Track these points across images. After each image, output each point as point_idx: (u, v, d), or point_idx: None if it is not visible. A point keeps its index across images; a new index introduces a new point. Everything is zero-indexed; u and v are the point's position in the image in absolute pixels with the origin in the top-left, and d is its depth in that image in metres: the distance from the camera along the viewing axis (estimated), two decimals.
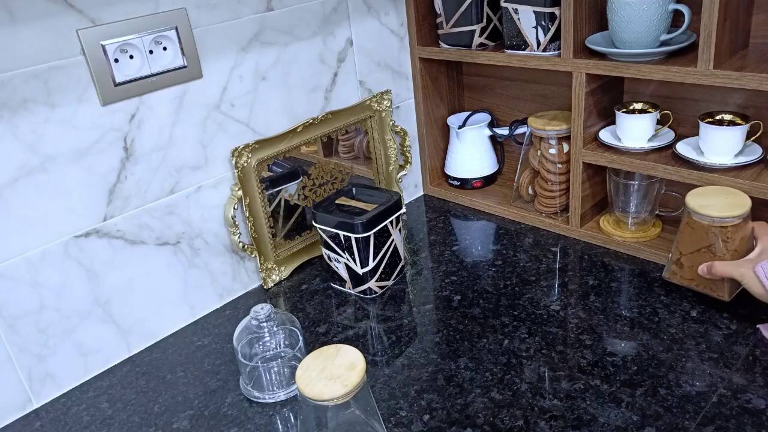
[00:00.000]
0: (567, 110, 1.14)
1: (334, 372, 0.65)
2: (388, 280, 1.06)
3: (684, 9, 0.89)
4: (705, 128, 0.92)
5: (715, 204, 0.86)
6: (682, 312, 0.90)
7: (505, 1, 1.06)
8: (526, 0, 1.03)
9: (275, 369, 0.85)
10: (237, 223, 1.02)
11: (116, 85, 0.85)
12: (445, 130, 1.36)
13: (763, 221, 0.89)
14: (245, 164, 1.01)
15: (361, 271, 1.01)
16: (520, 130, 1.24)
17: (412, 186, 1.37)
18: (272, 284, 1.11)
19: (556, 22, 1.01)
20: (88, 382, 0.92)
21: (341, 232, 0.99)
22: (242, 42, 0.98)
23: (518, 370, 0.83)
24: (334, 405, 0.64)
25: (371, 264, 1.01)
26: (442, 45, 1.20)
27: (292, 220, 1.13)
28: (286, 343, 0.85)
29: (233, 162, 1.00)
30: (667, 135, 1.01)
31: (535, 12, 1.02)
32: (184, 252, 0.99)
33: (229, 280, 1.07)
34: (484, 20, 1.13)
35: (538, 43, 1.05)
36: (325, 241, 1.04)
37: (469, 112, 1.33)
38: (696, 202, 0.87)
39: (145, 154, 0.91)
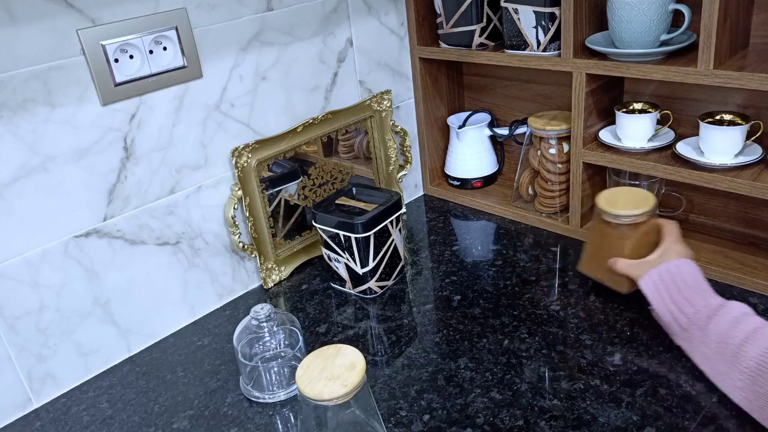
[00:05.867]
0: (567, 110, 1.14)
1: (334, 372, 0.65)
2: (388, 280, 1.06)
3: (684, 9, 0.89)
4: (705, 128, 0.92)
5: (619, 202, 0.89)
6: None
7: (505, 1, 1.06)
8: (526, 0, 1.03)
9: (275, 369, 0.85)
10: (237, 223, 1.02)
11: (116, 85, 0.85)
12: (445, 130, 1.36)
13: (674, 221, 0.89)
14: (245, 164, 1.01)
15: (361, 271, 1.01)
16: (520, 130, 1.24)
17: (412, 186, 1.37)
18: (272, 284, 1.10)
19: (556, 22, 1.01)
20: (88, 382, 0.92)
21: (341, 232, 0.99)
22: (242, 42, 0.98)
23: (518, 370, 0.83)
24: (334, 405, 0.64)
25: (371, 264, 1.01)
26: (442, 45, 1.20)
27: (292, 220, 1.13)
28: (286, 343, 0.85)
29: (233, 162, 1.00)
30: (667, 135, 1.01)
31: (535, 12, 1.02)
32: (184, 252, 0.99)
33: (229, 280, 1.07)
34: (484, 20, 1.13)
35: (538, 43, 1.05)
36: (325, 241, 1.04)
37: (469, 112, 1.33)
38: (603, 200, 0.90)
39: (145, 154, 0.91)
